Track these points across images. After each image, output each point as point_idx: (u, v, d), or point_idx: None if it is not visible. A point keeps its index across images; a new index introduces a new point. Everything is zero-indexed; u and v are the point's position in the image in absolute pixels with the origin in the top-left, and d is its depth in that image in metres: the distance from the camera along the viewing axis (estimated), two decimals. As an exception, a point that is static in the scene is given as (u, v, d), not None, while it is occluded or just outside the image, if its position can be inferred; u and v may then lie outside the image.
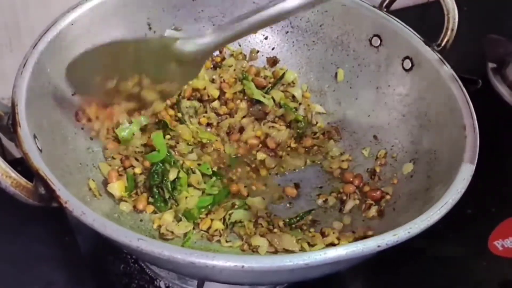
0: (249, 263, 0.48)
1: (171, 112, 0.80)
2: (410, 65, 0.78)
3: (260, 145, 0.82)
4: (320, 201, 0.77)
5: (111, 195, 0.70)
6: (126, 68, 0.68)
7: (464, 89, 0.71)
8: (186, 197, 0.72)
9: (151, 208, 0.71)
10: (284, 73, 0.88)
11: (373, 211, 0.72)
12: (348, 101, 0.85)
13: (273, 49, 0.90)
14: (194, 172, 0.74)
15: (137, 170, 0.73)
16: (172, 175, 0.71)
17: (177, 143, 0.78)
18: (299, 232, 0.72)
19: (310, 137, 0.84)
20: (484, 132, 0.66)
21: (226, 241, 0.69)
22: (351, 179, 0.78)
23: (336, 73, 0.86)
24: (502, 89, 1.00)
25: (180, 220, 0.70)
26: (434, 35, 0.77)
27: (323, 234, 0.70)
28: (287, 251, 0.67)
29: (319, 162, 0.82)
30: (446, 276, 0.78)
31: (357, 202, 0.75)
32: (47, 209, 0.54)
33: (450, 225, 0.59)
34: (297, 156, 0.82)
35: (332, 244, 0.69)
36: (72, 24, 0.72)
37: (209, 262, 0.48)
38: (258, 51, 0.90)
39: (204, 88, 0.83)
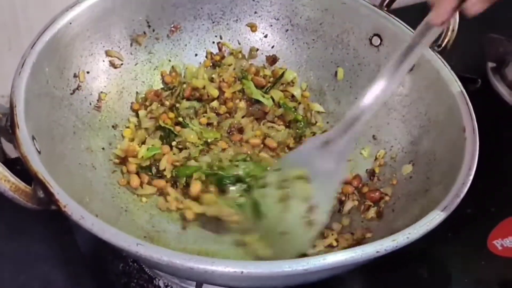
0: (248, 269, 0.48)
1: (171, 115, 0.80)
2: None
3: (262, 145, 0.82)
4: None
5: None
6: None
7: (464, 90, 0.71)
8: None
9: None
10: (283, 73, 0.87)
11: (372, 213, 0.72)
12: (348, 100, 0.85)
13: (272, 47, 0.90)
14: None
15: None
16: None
17: (184, 148, 0.78)
18: None
19: (309, 136, 0.83)
20: (484, 132, 0.66)
21: None
22: (350, 180, 0.77)
23: (336, 72, 0.86)
24: (502, 88, 1.00)
25: None
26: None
27: (321, 235, 0.70)
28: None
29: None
30: (445, 276, 0.78)
31: (356, 203, 0.75)
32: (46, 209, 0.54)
33: (450, 224, 0.58)
34: None
35: (331, 246, 0.69)
36: (71, 23, 0.71)
37: (208, 268, 0.48)
38: (257, 49, 0.90)
39: (204, 88, 0.83)
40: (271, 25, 0.89)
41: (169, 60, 0.86)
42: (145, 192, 0.73)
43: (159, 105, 0.81)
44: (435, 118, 0.74)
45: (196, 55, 0.88)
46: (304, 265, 0.49)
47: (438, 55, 0.75)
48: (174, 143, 0.78)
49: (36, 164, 0.54)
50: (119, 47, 0.80)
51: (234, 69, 0.87)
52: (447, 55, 0.76)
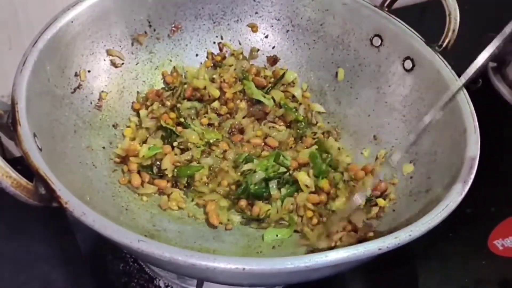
0: (250, 266, 0.48)
1: (173, 115, 0.79)
2: (411, 65, 0.78)
3: (264, 144, 0.82)
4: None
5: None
6: None
7: (465, 90, 0.71)
8: None
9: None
10: (284, 73, 0.87)
11: (374, 212, 0.72)
12: (348, 101, 0.85)
13: (273, 47, 0.90)
14: None
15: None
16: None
17: (186, 149, 0.77)
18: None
19: (310, 137, 0.83)
20: (484, 131, 0.66)
21: None
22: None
23: (336, 73, 0.86)
24: (502, 88, 1.00)
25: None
26: (435, 35, 0.76)
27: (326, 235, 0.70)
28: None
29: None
30: (446, 276, 0.78)
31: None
32: (46, 208, 0.54)
33: (450, 224, 0.58)
34: None
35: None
36: (72, 22, 0.72)
37: (210, 264, 0.48)
38: (258, 50, 0.90)
39: (205, 88, 0.83)
40: (272, 26, 0.89)
41: (170, 60, 0.86)
42: (146, 191, 0.73)
43: (160, 105, 0.81)
44: (436, 118, 0.74)
45: (197, 55, 0.88)
46: (306, 262, 0.49)
47: (439, 55, 0.75)
48: (175, 144, 0.77)
49: (38, 161, 0.54)
50: (120, 46, 0.80)
51: (235, 69, 0.87)
52: (447, 55, 0.76)
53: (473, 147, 0.64)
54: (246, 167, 0.76)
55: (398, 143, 0.78)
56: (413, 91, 0.78)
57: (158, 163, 0.75)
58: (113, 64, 0.79)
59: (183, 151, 0.77)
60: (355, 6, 0.83)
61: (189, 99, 0.83)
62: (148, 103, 0.81)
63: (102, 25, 0.76)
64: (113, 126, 0.78)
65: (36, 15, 0.81)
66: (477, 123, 0.67)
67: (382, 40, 0.82)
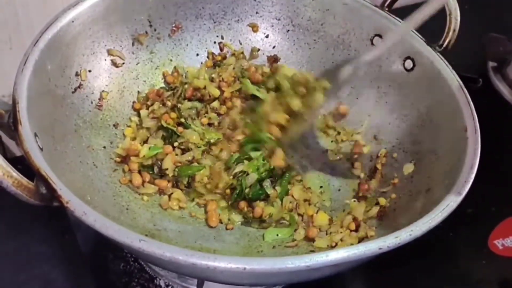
0: (250, 265, 0.48)
1: (173, 115, 0.80)
2: (411, 65, 0.78)
3: None
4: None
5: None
6: None
7: (465, 90, 0.71)
8: None
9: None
10: (280, 67, 0.88)
11: (374, 211, 0.72)
12: (349, 101, 0.85)
13: (273, 47, 0.90)
14: None
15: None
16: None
17: (187, 149, 0.77)
18: None
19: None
20: (485, 131, 0.66)
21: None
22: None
23: (336, 72, 0.86)
24: (503, 87, 1.00)
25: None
26: (436, 34, 0.76)
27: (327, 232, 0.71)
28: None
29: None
30: (446, 275, 0.78)
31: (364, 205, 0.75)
32: (46, 207, 0.54)
33: (451, 224, 0.58)
34: None
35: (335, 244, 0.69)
36: (73, 21, 0.72)
37: (210, 264, 0.48)
38: (259, 50, 0.90)
39: (205, 88, 0.83)
40: (273, 25, 0.89)
41: (170, 60, 0.86)
42: (147, 191, 0.73)
43: (160, 105, 0.81)
44: (436, 118, 0.74)
45: (197, 54, 0.88)
46: (307, 262, 0.49)
47: (440, 55, 0.75)
48: (176, 144, 0.77)
49: (39, 160, 0.54)
50: (121, 46, 0.80)
51: (233, 68, 0.87)
52: (448, 55, 0.76)
53: (474, 147, 0.64)
54: (237, 168, 0.75)
55: (399, 142, 0.78)
56: (413, 91, 0.78)
57: (159, 163, 0.75)
58: (114, 63, 0.79)
59: (184, 151, 0.77)
60: (355, 6, 0.83)
61: (189, 99, 0.83)
62: (148, 103, 0.81)
63: (103, 25, 0.76)
64: (114, 125, 0.78)
65: (36, 15, 0.81)
66: (477, 123, 0.67)
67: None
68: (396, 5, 0.83)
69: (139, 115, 0.81)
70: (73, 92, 0.73)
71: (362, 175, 0.79)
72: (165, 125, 0.78)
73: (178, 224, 0.71)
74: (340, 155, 0.82)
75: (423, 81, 0.77)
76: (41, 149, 0.57)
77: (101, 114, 0.77)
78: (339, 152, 0.82)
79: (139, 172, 0.74)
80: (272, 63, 0.90)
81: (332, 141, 0.84)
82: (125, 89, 0.81)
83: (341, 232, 0.70)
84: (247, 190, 0.73)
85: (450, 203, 0.57)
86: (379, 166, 0.78)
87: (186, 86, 0.83)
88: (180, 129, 0.79)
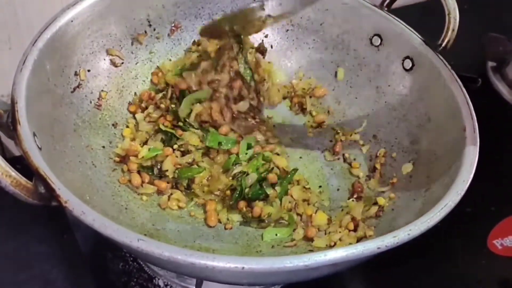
0: (249, 265, 0.48)
1: (170, 117, 0.79)
2: (410, 65, 0.78)
3: None
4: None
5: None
6: None
7: (464, 90, 0.71)
8: None
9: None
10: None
11: (373, 211, 0.72)
12: (348, 100, 0.85)
13: (272, 47, 0.90)
14: None
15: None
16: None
17: (187, 151, 0.77)
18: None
19: None
20: (484, 131, 0.66)
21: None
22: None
23: (336, 72, 0.86)
24: (502, 87, 1.00)
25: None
26: (435, 34, 0.76)
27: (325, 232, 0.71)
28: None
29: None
30: (445, 275, 0.78)
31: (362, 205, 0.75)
32: (45, 207, 0.54)
33: (450, 223, 0.59)
34: None
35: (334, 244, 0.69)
36: (72, 21, 0.72)
37: (209, 263, 0.48)
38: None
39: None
40: (272, 25, 0.89)
41: (170, 60, 0.86)
42: (146, 191, 0.73)
43: (156, 109, 0.81)
44: (435, 118, 0.74)
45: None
46: (305, 261, 0.49)
47: (439, 55, 0.75)
48: (175, 146, 0.77)
49: (37, 160, 0.54)
50: (120, 46, 0.80)
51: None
52: (447, 54, 0.76)
53: (472, 147, 0.64)
54: (237, 169, 0.75)
55: (398, 142, 0.78)
56: (412, 90, 0.78)
57: (158, 165, 0.75)
58: (113, 63, 0.79)
59: (184, 153, 0.77)
60: (355, 5, 0.83)
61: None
62: (143, 105, 0.81)
63: (102, 25, 0.76)
64: (113, 125, 0.78)
65: (36, 15, 0.81)
66: (476, 123, 0.67)
67: (381, 40, 0.82)
68: (395, 4, 0.82)
69: (135, 117, 0.80)
70: (72, 92, 0.73)
71: (361, 175, 0.79)
72: (163, 128, 0.78)
73: (177, 223, 0.71)
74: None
75: (422, 81, 0.77)
76: (40, 149, 0.57)
77: (100, 113, 0.77)
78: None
79: (139, 172, 0.74)
80: (260, 53, 0.89)
81: (330, 141, 0.84)
82: (124, 88, 0.81)
83: (339, 232, 0.70)
84: (247, 190, 0.73)
85: (449, 202, 0.57)
86: (378, 166, 0.78)
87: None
88: (179, 131, 0.78)
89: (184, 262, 0.48)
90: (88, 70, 0.76)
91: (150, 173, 0.75)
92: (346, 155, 0.82)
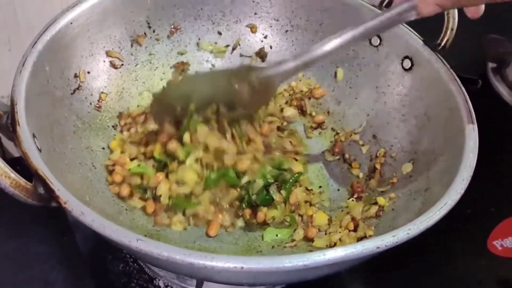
0: (248, 264, 0.48)
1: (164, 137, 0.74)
2: (409, 64, 0.78)
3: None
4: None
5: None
6: (204, 96, 0.71)
7: (463, 89, 0.71)
8: None
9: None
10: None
11: (373, 211, 0.72)
12: (347, 101, 0.85)
13: (271, 47, 0.90)
14: None
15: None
16: None
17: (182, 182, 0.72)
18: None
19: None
20: (484, 132, 0.66)
21: None
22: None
23: (335, 73, 0.86)
24: (502, 88, 1.00)
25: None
26: (434, 34, 0.76)
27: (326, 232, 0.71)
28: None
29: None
30: (445, 276, 0.78)
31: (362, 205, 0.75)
32: (45, 208, 0.54)
33: (450, 224, 0.59)
34: None
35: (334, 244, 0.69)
36: (71, 23, 0.72)
37: (208, 263, 0.48)
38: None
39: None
40: (271, 26, 0.89)
41: (169, 62, 0.86)
42: (135, 205, 0.71)
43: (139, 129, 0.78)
44: (435, 118, 0.74)
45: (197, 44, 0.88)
46: (305, 261, 0.49)
47: (438, 55, 0.75)
48: (172, 179, 0.72)
49: (37, 161, 0.54)
50: (119, 47, 0.80)
51: None
52: (447, 56, 0.76)
53: (472, 146, 0.64)
54: (244, 180, 0.73)
55: (397, 142, 0.78)
56: (412, 90, 0.78)
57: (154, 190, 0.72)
58: (113, 65, 0.79)
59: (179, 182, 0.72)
60: (353, 6, 0.83)
61: None
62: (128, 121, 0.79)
63: (101, 27, 0.77)
64: (113, 127, 0.78)
65: (35, 16, 0.81)
66: (475, 123, 0.67)
67: (381, 40, 0.82)
68: (395, 4, 0.82)
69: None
70: (72, 94, 0.73)
71: (361, 175, 0.79)
72: (157, 157, 0.73)
73: (177, 225, 0.71)
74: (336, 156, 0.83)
75: (422, 81, 0.77)
76: (40, 150, 0.57)
77: (100, 115, 0.77)
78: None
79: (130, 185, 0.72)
80: (260, 57, 0.89)
81: (330, 142, 0.84)
82: (124, 90, 0.81)
83: (339, 232, 0.70)
84: (254, 197, 0.72)
85: (448, 201, 0.57)
86: (378, 166, 0.78)
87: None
88: (174, 165, 0.71)
89: (183, 262, 0.49)
90: (88, 72, 0.76)
91: (142, 193, 0.72)
92: (346, 155, 0.82)
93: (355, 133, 0.83)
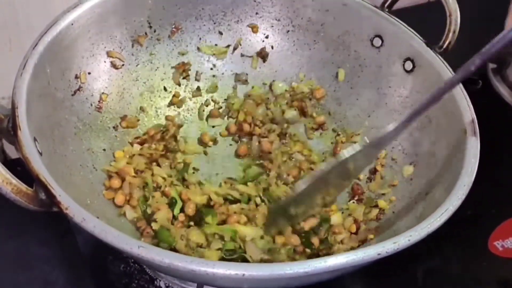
0: (249, 271, 0.48)
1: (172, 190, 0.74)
2: (411, 66, 0.78)
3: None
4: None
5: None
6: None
7: (465, 92, 0.70)
8: None
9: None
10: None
11: (373, 213, 0.72)
12: (348, 102, 0.85)
13: (273, 48, 0.90)
14: None
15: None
16: None
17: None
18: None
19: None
20: (484, 132, 0.66)
21: None
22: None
23: (337, 73, 0.86)
24: (502, 89, 1.00)
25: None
26: (436, 35, 0.76)
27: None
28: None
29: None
30: (446, 277, 0.78)
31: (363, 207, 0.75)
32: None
33: (451, 225, 0.59)
34: None
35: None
36: (72, 24, 0.71)
37: (209, 270, 0.48)
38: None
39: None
40: (272, 26, 0.89)
41: (169, 64, 0.86)
42: (129, 216, 0.70)
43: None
44: (436, 120, 0.74)
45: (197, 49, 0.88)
46: (306, 268, 0.49)
47: (439, 57, 0.75)
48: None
49: (38, 166, 0.54)
50: (120, 48, 0.80)
51: None
52: (448, 56, 0.76)
53: (473, 150, 0.64)
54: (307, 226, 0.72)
55: (398, 144, 0.78)
56: (413, 92, 0.78)
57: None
58: (114, 65, 0.79)
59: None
60: (355, 6, 0.83)
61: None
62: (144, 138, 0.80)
63: (102, 27, 0.76)
64: (114, 128, 0.78)
65: (36, 16, 0.81)
66: (477, 126, 0.67)
67: (382, 41, 0.81)
68: (396, 6, 0.82)
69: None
70: (72, 95, 0.73)
71: (361, 177, 0.79)
72: (173, 194, 0.73)
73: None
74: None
75: (423, 83, 0.77)
76: (41, 154, 0.57)
77: (101, 116, 0.77)
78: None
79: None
80: (261, 57, 0.89)
81: (331, 143, 0.84)
82: (125, 91, 0.81)
83: (341, 234, 0.71)
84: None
85: (449, 207, 0.57)
86: (378, 168, 0.78)
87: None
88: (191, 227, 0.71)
89: (184, 269, 0.49)
90: (89, 73, 0.76)
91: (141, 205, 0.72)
92: None
93: (356, 135, 0.83)
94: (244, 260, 0.67)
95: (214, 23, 0.87)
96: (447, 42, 0.75)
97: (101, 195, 0.69)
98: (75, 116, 0.72)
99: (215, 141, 0.84)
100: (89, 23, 0.74)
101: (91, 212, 0.53)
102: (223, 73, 0.89)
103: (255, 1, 0.87)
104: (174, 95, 0.85)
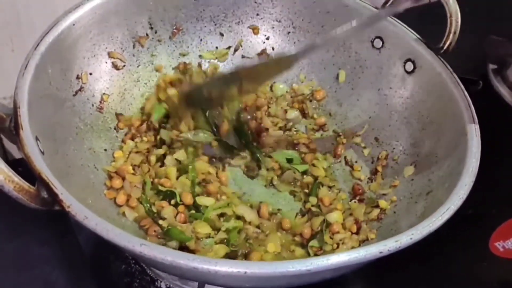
0: (251, 269, 0.48)
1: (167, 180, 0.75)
2: (412, 67, 0.78)
3: None
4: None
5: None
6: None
7: (466, 92, 0.71)
8: None
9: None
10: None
11: (374, 213, 0.72)
12: (349, 103, 0.86)
13: (273, 49, 0.90)
14: None
15: None
16: None
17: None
18: None
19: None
20: (485, 133, 0.66)
21: None
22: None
23: (337, 74, 0.86)
24: (503, 90, 1.00)
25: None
26: (436, 37, 0.76)
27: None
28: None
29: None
30: (447, 277, 0.78)
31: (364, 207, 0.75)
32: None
33: (451, 226, 0.59)
34: None
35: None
36: (74, 25, 0.72)
37: (211, 268, 0.48)
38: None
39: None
40: (273, 27, 0.89)
41: (170, 65, 0.86)
42: (129, 216, 0.70)
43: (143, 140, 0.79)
44: (437, 121, 0.74)
45: (199, 56, 0.88)
46: (308, 266, 0.49)
47: (440, 57, 0.75)
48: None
49: (40, 164, 0.54)
50: (121, 48, 0.80)
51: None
52: (448, 57, 0.76)
53: (474, 150, 0.64)
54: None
55: (399, 144, 0.78)
56: (414, 93, 0.78)
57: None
58: (115, 66, 0.79)
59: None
60: (356, 7, 0.83)
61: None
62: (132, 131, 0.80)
63: (103, 28, 0.76)
64: (115, 128, 0.78)
65: (38, 16, 0.81)
66: (478, 126, 0.67)
67: (383, 42, 0.82)
68: (397, 7, 0.82)
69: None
70: (74, 95, 0.73)
71: (362, 177, 0.79)
72: (163, 189, 0.73)
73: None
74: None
75: (424, 84, 0.77)
76: (42, 153, 0.57)
77: (102, 116, 0.77)
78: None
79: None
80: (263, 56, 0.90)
81: (332, 144, 0.84)
82: (126, 91, 0.81)
83: (342, 234, 0.71)
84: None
85: (451, 206, 0.57)
86: (379, 168, 0.79)
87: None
88: (182, 216, 0.71)
89: (186, 266, 0.49)
90: (90, 73, 0.76)
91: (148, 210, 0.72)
92: (348, 157, 0.82)
93: (356, 135, 0.83)
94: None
95: (215, 25, 0.88)
96: (447, 43, 0.75)
97: (102, 195, 0.69)
98: (77, 116, 0.72)
99: None
100: (90, 23, 0.74)
101: (93, 212, 0.52)
102: (224, 74, 0.89)
103: (256, 2, 0.87)
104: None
